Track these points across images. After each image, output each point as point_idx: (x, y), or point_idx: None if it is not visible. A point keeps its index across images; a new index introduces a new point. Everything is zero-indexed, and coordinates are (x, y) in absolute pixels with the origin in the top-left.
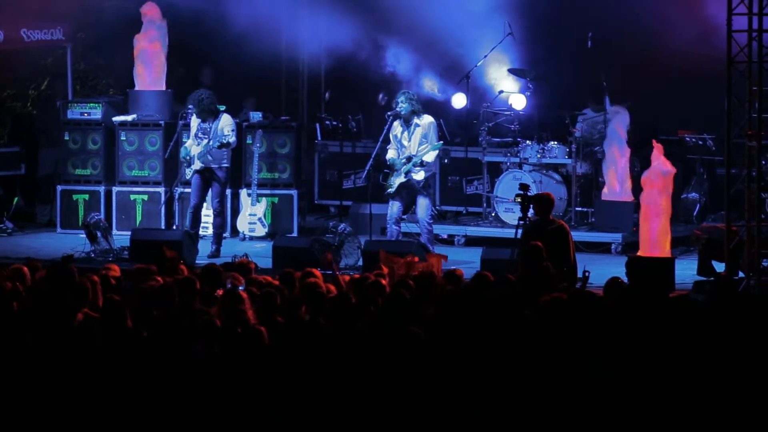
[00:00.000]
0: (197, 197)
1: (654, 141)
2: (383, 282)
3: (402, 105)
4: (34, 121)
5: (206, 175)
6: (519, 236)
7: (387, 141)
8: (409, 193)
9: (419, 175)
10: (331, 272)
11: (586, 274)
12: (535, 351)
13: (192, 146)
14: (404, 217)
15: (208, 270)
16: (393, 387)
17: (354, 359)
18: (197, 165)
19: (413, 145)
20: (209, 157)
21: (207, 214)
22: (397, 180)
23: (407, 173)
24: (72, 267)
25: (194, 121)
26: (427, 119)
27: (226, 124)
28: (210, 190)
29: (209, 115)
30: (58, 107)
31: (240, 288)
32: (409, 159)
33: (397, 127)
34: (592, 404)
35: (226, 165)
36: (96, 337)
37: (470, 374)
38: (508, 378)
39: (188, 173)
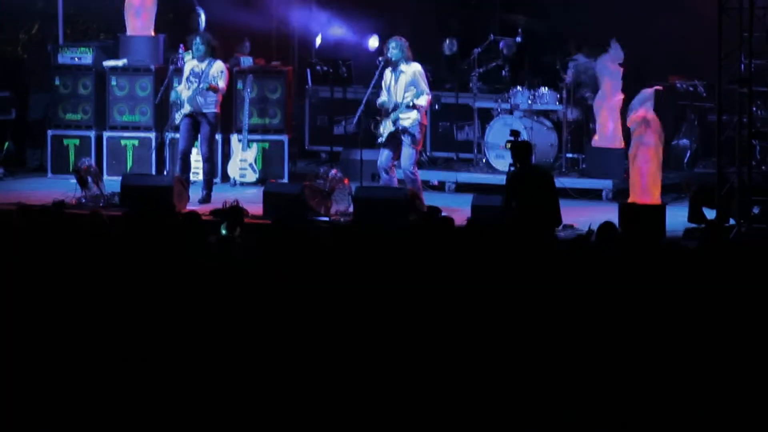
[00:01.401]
0: (185, 141)
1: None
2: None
3: (393, 51)
4: (24, 66)
5: (195, 119)
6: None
7: (378, 87)
8: (398, 142)
9: (407, 121)
10: (327, 218)
11: (591, 229)
12: (530, 296)
13: (183, 90)
14: (395, 164)
15: (188, 217)
16: (389, 336)
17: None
18: (186, 109)
19: (398, 92)
20: (199, 101)
21: (197, 160)
22: (387, 129)
23: (395, 121)
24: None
25: (187, 66)
26: (414, 66)
27: (217, 68)
28: (198, 134)
29: (211, 54)
30: (49, 51)
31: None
32: (395, 107)
33: (388, 74)
34: (583, 352)
35: (214, 110)
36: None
37: (464, 322)
38: (502, 325)
39: (178, 117)
